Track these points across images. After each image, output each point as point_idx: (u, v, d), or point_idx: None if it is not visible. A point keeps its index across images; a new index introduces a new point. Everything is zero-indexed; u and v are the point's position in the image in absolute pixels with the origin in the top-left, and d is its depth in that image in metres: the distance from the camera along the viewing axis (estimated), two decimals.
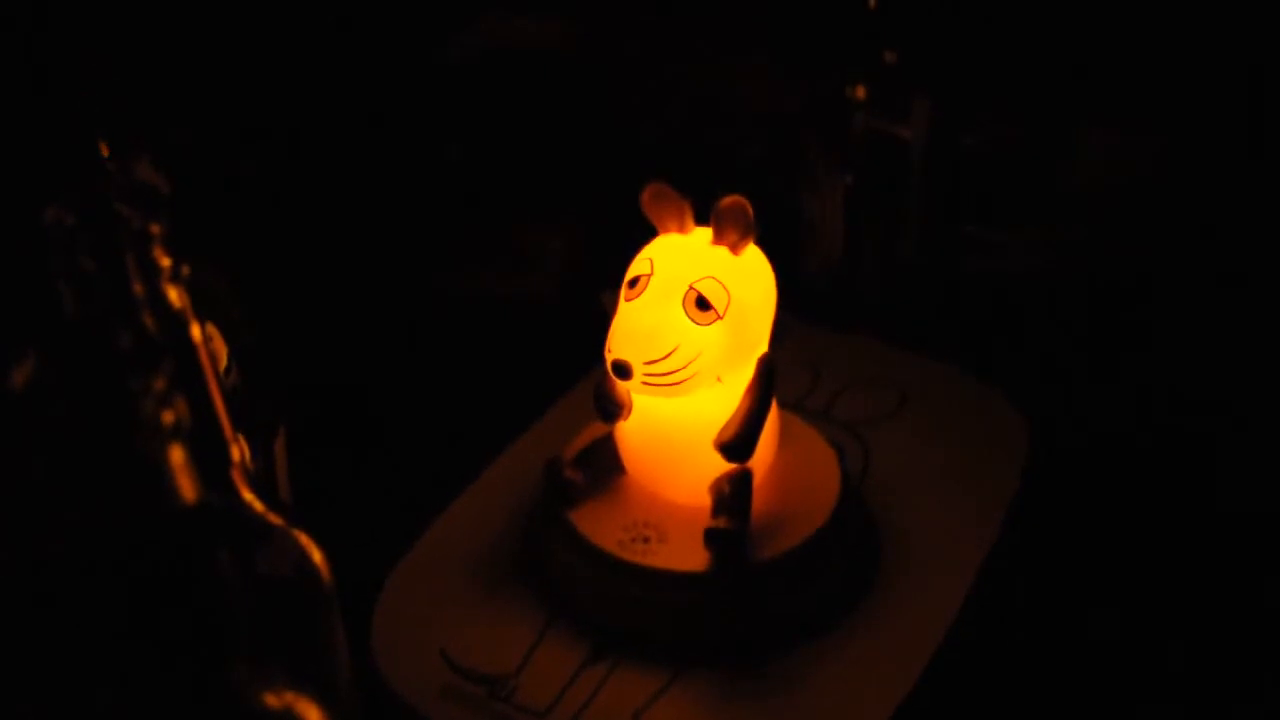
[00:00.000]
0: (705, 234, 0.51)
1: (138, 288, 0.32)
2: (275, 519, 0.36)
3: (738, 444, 0.51)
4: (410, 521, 0.57)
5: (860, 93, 0.71)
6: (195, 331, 0.33)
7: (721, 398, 0.51)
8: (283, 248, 0.75)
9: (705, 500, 0.52)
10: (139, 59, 0.62)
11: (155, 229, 0.33)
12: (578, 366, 0.62)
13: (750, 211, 0.49)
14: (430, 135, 0.83)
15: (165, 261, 0.33)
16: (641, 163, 0.55)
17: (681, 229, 0.51)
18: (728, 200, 0.49)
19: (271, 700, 0.32)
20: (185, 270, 0.34)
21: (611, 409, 0.52)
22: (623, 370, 0.49)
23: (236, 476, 0.35)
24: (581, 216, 0.80)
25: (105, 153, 0.39)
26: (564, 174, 0.81)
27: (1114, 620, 0.56)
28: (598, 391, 0.52)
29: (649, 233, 0.52)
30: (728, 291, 0.49)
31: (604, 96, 0.83)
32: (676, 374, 0.49)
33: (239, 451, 0.35)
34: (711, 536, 0.51)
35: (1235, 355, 0.68)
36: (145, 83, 0.57)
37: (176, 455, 0.29)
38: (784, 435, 0.55)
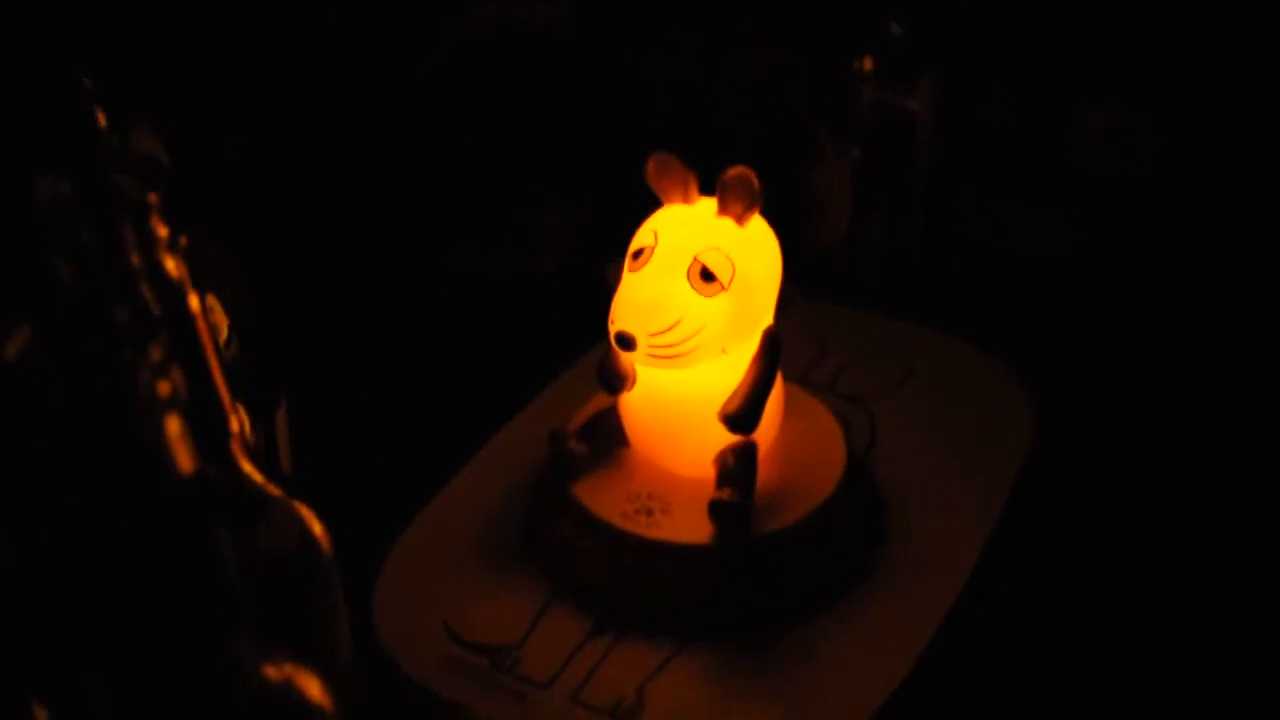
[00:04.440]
0: (710, 205, 0.50)
1: (135, 258, 0.32)
2: (275, 490, 0.36)
3: (742, 416, 0.51)
4: (414, 494, 0.57)
5: (867, 65, 0.70)
6: (194, 302, 0.33)
7: (726, 370, 0.51)
8: (286, 221, 0.74)
9: (709, 472, 0.52)
10: (138, 28, 0.61)
11: (153, 199, 0.33)
12: (582, 339, 0.62)
13: (756, 182, 0.49)
14: (434, 111, 0.82)
15: (163, 231, 0.33)
16: (646, 136, 0.54)
17: (686, 200, 0.51)
18: (733, 171, 0.49)
19: (272, 672, 0.31)
20: (183, 240, 0.33)
21: (615, 381, 0.52)
22: (626, 342, 0.49)
23: (236, 448, 0.35)
24: (586, 190, 0.79)
25: (102, 122, 0.38)
26: (568, 148, 0.81)
27: (1120, 594, 0.55)
28: (601, 363, 0.52)
29: (653, 206, 0.51)
30: (732, 263, 0.49)
31: (608, 70, 0.82)
32: (680, 345, 0.49)
33: (238, 423, 0.35)
34: (716, 509, 0.50)
35: (1240, 332, 0.68)
36: (144, 51, 0.57)
37: (173, 426, 0.29)
38: (789, 408, 0.55)
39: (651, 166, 0.50)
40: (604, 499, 0.52)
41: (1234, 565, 0.57)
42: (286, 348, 0.55)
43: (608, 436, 0.54)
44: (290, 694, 0.31)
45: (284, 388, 0.53)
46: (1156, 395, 0.65)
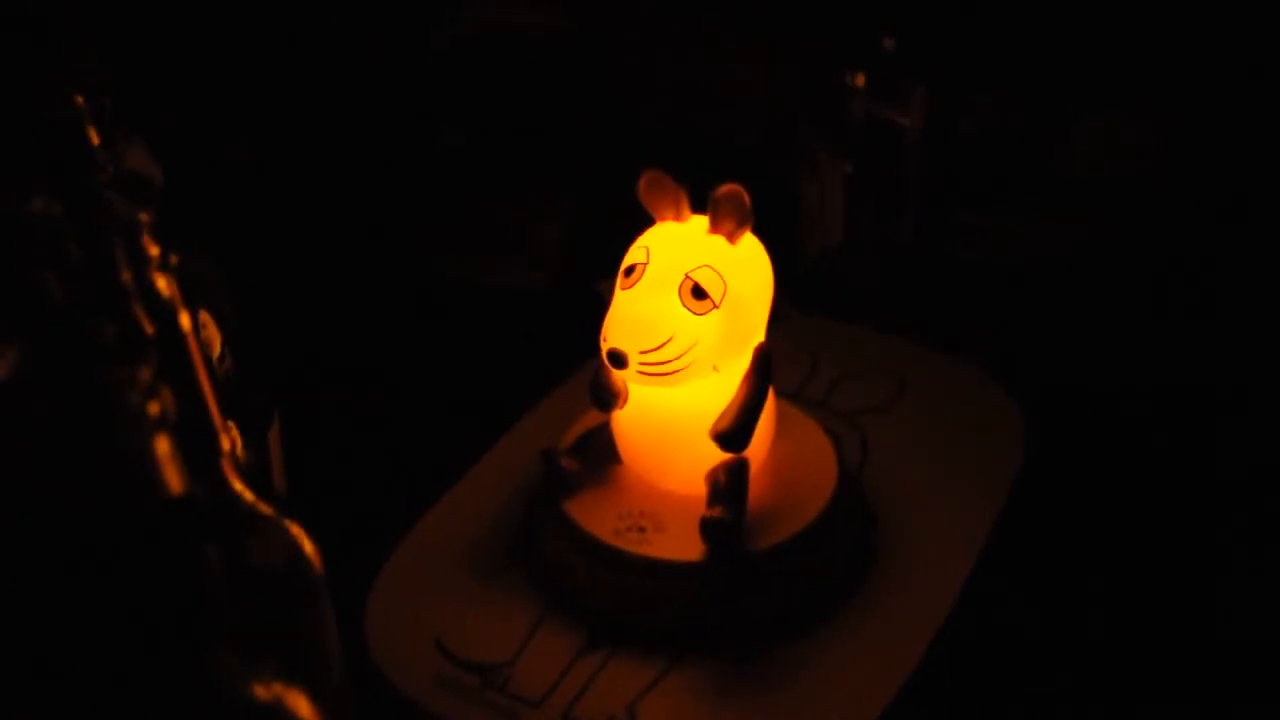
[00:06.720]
0: (702, 222, 0.50)
1: (126, 277, 0.32)
2: (266, 509, 0.36)
3: (734, 433, 0.51)
4: (406, 510, 0.57)
5: (859, 80, 0.71)
6: (184, 320, 0.33)
7: (718, 387, 0.51)
8: (277, 235, 0.75)
9: (701, 490, 0.52)
10: (129, 42, 0.62)
11: (144, 217, 0.33)
12: (574, 355, 0.62)
13: (747, 200, 0.49)
14: (426, 121, 0.82)
15: (154, 250, 0.33)
16: (639, 150, 0.54)
17: (678, 217, 0.51)
18: (724, 188, 0.49)
19: (260, 691, 0.31)
20: (174, 259, 0.33)
21: (607, 398, 0.52)
22: (618, 359, 0.49)
23: (226, 466, 0.35)
24: (578, 204, 0.79)
25: (95, 140, 0.38)
26: (560, 161, 0.81)
27: (1111, 611, 0.55)
28: (593, 381, 0.52)
29: (646, 221, 0.51)
30: (724, 280, 0.49)
31: (601, 83, 0.82)
32: (672, 363, 0.49)
33: (229, 441, 0.35)
34: (707, 526, 0.50)
35: (1234, 339, 0.68)
36: (135, 67, 0.57)
37: (162, 446, 0.29)
38: (781, 424, 0.55)
39: (643, 184, 0.50)
40: (596, 516, 0.52)
41: (1231, 571, 0.57)
42: (280, 364, 0.55)
43: (600, 454, 0.54)
44: (278, 712, 0.31)
45: (277, 404, 0.53)
46: (1152, 406, 0.66)
